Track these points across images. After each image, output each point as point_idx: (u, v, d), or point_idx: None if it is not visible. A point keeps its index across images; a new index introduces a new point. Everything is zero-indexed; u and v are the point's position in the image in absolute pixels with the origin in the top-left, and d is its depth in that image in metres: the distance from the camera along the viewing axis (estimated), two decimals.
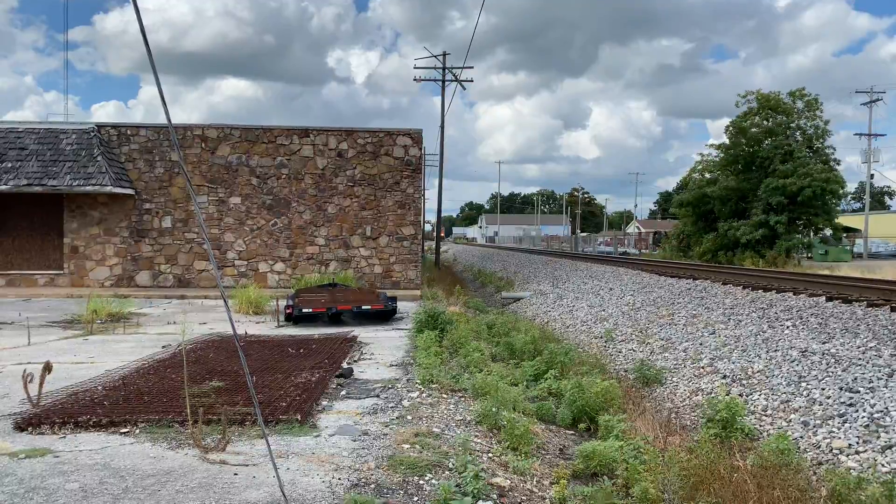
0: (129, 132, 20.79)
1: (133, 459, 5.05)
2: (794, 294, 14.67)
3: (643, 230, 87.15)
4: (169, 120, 3.26)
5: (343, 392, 7.41)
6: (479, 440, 6.20)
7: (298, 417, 6.00)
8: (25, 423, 5.80)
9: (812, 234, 34.54)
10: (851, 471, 6.88)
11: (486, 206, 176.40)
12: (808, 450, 7.73)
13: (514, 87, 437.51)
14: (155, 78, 3.07)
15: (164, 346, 10.26)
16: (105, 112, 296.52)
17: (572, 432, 8.24)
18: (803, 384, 9.34)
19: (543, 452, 6.81)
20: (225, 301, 3.75)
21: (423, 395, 7.44)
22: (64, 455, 5.13)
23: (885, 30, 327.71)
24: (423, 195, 47.98)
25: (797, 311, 12.95)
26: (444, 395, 7.59)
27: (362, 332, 12.10)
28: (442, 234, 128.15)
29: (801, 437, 8.04)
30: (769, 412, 9.02)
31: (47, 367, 6.38)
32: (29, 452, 5.16)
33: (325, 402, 6.88)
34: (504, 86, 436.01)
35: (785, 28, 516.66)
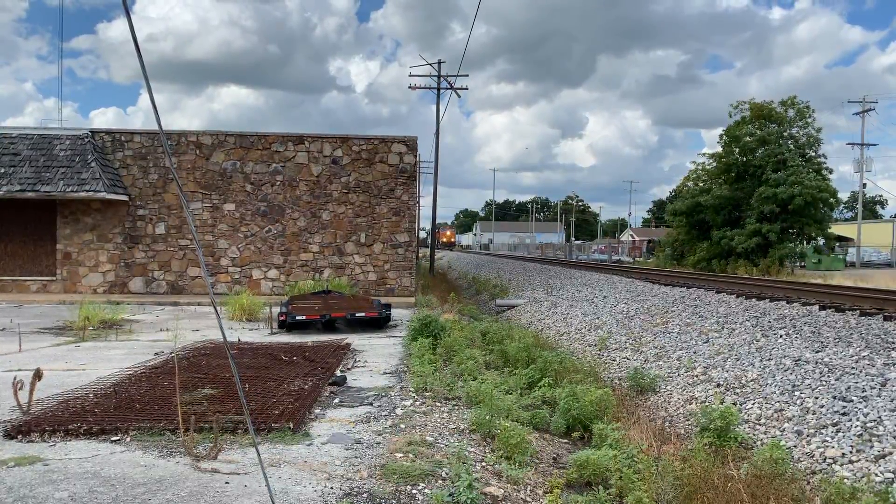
0: (123, 138, 20.74)
1: (123, 468, 5.00)
2: (788, 303, 14.69)
3: (637, 238, 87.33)
4: (160, 126, 3.24)
5: (336, 400, 7.38)
6: (472, 449, 6.17)
7: (291, 425, 5.96)
8: (15, 431, 5.74)
9: (805, 242, 34.66)
10: (845, 480, 6.87)
11: (481, 214, 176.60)
12: (801, 459, 7.72)
13: (513, 97, 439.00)
14: (146, 83, 3.05)
15: (156, 353, 10.21)
16: (105, 119, 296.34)
17: (566, 441, 8.21)
18: (797, 393, 9.34)
19: (537, 461, 6.78)
20: (215, 308, 3.73)
21: (417, 403, 7.41)
22: (54, 463, 5.09)
23: (877, 42, 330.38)
24: (418, 202, 47.99)
25: (791, 320, 12.97)
26: (438, 404, 7.56)
27: (356, 340, 12.06)
28: (453, 240, 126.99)
29: (795, 446, 8.03)
30: (763, 421, 9.01)
31: (38, 374, 6.33)
32: (18, 460, 5.12)
33: (317, 410, 6.84)
34: (503, 95, 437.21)
35: (779, 40, 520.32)
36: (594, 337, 16.67)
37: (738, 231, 32.56)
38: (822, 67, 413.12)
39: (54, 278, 20.44)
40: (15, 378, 6.32)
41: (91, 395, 7.12)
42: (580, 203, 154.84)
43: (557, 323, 19.94)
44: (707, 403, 9.95)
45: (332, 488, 4.69)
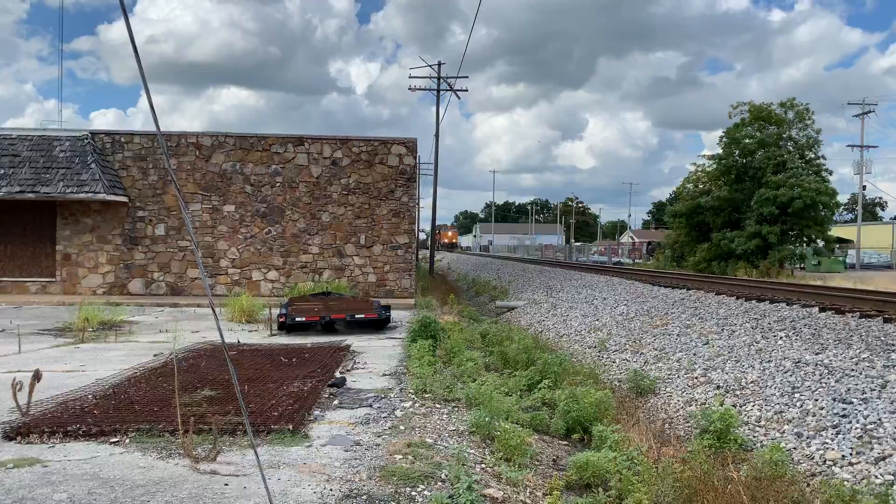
0: (122, 139, 20.74)
1: (122, 469, 4.99)
2: (788, 304, 14.69)
3: (637, 240, 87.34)
4: (158, 127, 3.24)
5: (335, 401, 7.37)
6: (472, 451, 6.16)
7: (290, 427, 5.95)
8: (14, 433, 5.73)
9: (805, 244, 34.70)
10: (845, 482, 6.86)
11: (481, 215, 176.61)
12: (801, 461, 7.72)
13: (513, 99, 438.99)
14: (143, 84, 3.05)
15: (155, 355, 10.19)
16: (105, 120, 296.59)
17: (566, 443, 8.21)
18: (797, 395, 9.33)
19: (537, 463, 6.78)
20: (213, 310, 3.72)
21: (416, 404, 7.40)
22: (53, 465, 5.08)
23: (877, 44, 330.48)
24: (418, 204, 47.98)
25: (790, 322, 12.96)
26: (438, 405, 7.55)
27: (356, 341, 12.05)
28: (455, 240, 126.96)
29: (795, 448, 8.03)
30: (763, 423, 9.01)
31: (37, 376, 6.32)
32: (17, 462, 5.11)
33: (317, 412, 6.83)
34: (504, 97, 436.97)
35: (779, 42, 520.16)
36: (594, 339, 16.66)
37: (737, 233, 32.58)
38: (821, 69, 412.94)
39: (54, 279, 20.42)
40: (14, 379, 6.31)
41: (90, 396, 7.11)
42: (580, 205, 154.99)
43: (557, 325, 19.93)
44: (707, 405, 9.95)
45: (331, 490, 4.68)
